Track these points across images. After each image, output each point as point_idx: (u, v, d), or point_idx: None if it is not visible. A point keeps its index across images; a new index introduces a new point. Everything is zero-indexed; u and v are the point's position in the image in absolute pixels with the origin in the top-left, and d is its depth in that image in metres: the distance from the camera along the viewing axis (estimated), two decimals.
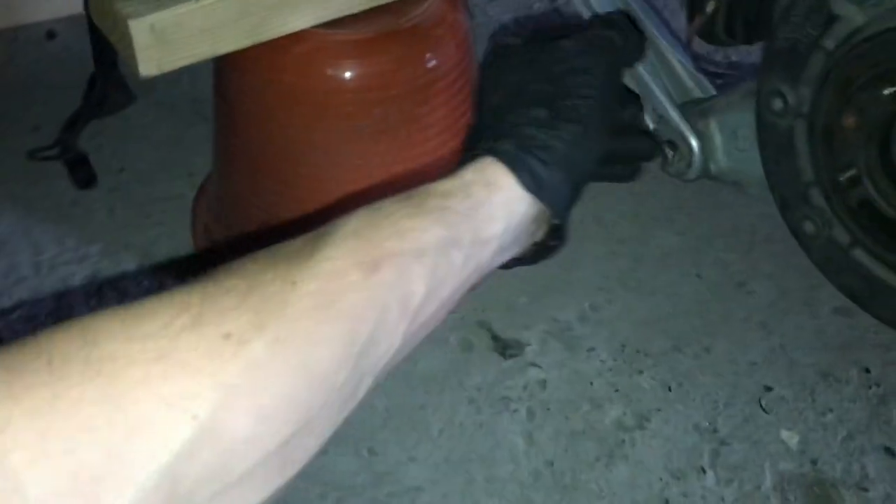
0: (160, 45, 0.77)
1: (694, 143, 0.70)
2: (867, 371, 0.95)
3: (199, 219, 1.10)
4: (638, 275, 1.06)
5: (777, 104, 0.58)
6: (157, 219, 1.14)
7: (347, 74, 0.87)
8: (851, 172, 0.53)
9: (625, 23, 0.61)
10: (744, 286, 1.04)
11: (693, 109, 0.71)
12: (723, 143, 0.68)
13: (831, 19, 0.51)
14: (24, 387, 0.34)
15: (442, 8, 0.91)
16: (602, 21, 0.64)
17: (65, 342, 0.36)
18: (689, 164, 0.71)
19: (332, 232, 0.42)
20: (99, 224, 1.13)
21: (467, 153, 0.54)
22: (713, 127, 0.68)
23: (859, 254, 0.56)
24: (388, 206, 0.44)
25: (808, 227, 0.58)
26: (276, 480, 0.40)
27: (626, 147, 0.60)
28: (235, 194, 1.03)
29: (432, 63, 0.91)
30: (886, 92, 0.49)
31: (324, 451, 0.87)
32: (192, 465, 0.35)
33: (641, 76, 0.71)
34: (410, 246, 0.43)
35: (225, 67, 0.93)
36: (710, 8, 0.62)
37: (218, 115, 1.01)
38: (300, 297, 0.39)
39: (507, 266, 0.54)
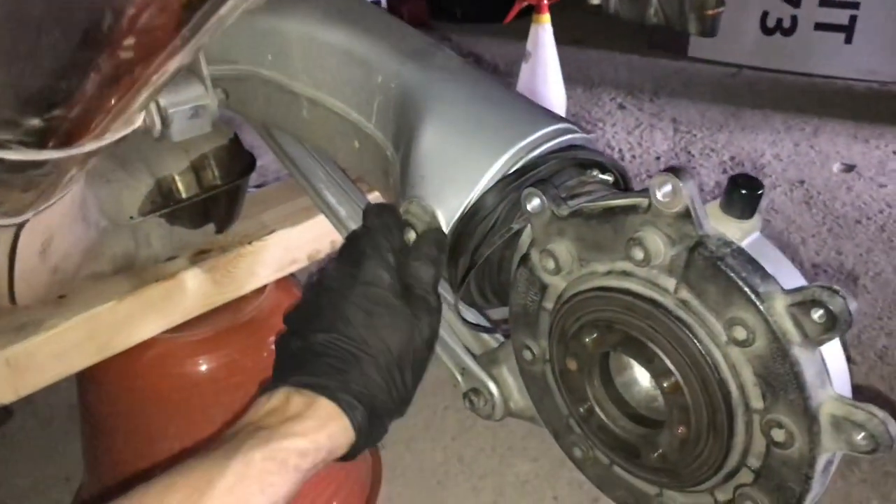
0: (15, 375, 0.85)
1: (493, 388, 0.78)
2: None
3: None
4: None
5: (528, 355, 0.69)
6: None
7: (194, 371, 0.96)
8: (586, 405, 0.64)
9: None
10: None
11: (487, 359, 0.81)
12: (515, 385, 0.77)
13: (543, 287, 0.64)
14: None
15: (278, 297, 1.03)
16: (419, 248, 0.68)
17: None
18: (493, 407, 0.79)
19: (209, 495, 0.53)
20: None
21: (298, 380, 0.62)
22: (505, 372, 0.77)
23: (618, 470, 0.66)
24: (258, 463, 0.56)
25: (577, 452, 0.68)
26: None
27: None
28: (104, 485, 1.07)
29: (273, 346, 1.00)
30: (587, 340, 0.61)
31: None
32: None
33: (441, 335, 0.82)
34: (268, 500, 0.55)
35: (83, 377, 1.01)
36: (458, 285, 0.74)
37: (83, 418, 1.07)
38: None
39: None
